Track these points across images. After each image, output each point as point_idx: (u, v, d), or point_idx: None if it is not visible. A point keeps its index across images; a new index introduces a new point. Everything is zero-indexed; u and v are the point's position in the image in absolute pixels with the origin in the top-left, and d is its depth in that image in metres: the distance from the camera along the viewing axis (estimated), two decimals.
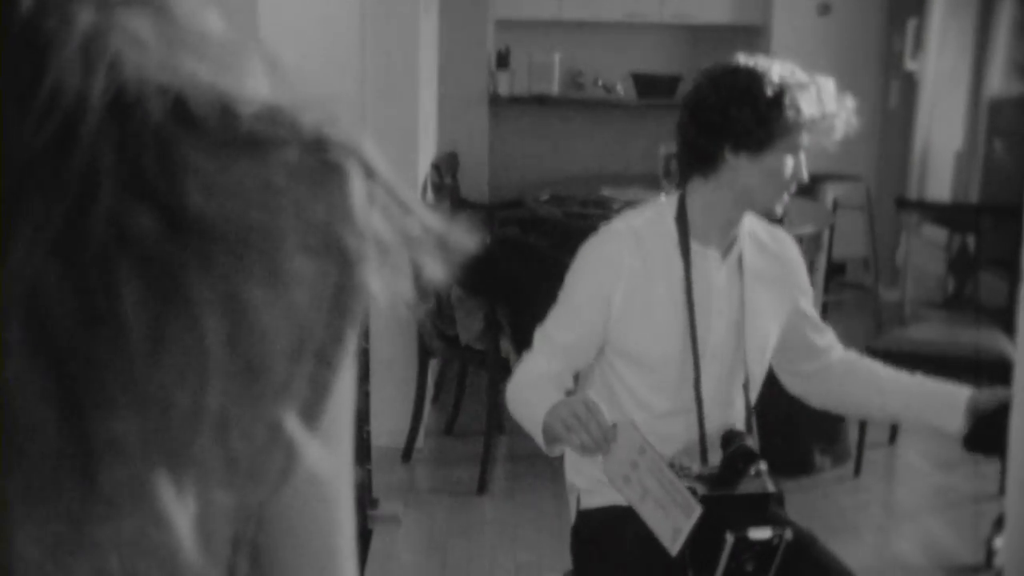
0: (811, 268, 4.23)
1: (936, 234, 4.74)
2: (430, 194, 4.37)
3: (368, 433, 3.18)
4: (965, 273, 4.34)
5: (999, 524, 3.26)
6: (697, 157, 1.91)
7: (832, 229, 4.36)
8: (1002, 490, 3.63)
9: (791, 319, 2.01)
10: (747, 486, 1.82)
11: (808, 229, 3.86)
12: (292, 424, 0.44)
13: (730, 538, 1.76)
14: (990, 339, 3.76)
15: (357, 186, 0.44)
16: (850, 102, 1.91)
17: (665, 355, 1.92)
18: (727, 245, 1.96)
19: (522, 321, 3.90)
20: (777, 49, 6.29)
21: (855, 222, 5.14)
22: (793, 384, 2.10)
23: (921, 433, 4.22)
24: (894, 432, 4.08)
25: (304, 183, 0.43)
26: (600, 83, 6.68)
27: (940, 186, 5.68)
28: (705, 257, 1.94)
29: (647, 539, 1.78)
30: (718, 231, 1.93)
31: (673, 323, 1.91)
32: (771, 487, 1.83)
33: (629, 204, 4.22)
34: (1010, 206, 4.43)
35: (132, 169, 0.39)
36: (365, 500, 3.16)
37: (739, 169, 1.87)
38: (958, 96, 5.55)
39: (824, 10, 6.34)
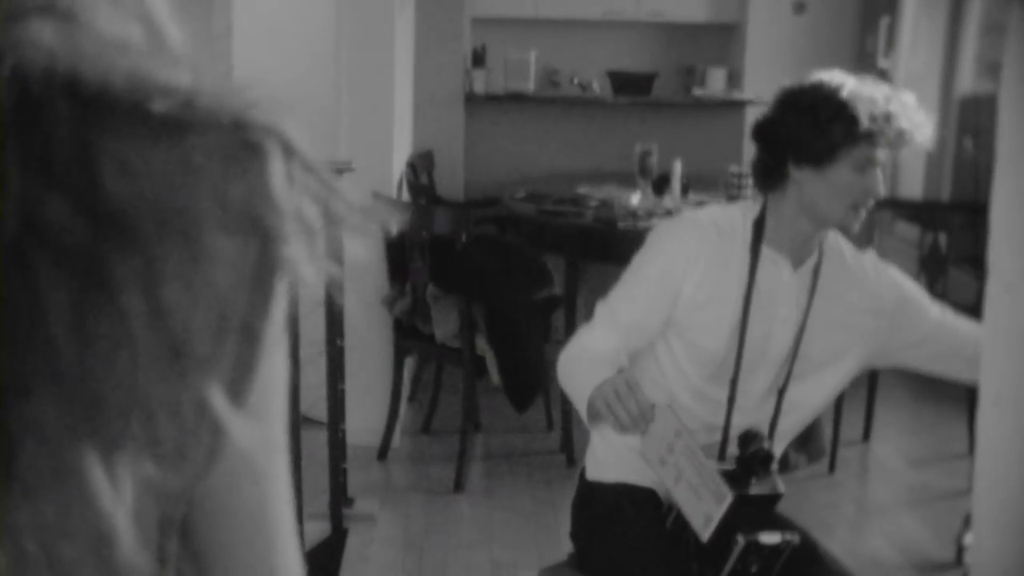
0: None
1: (908, 231, 4.76)
2: (406, 192, 4.36)
3: (343, 431, 3.17)
4: (936, 270, 4.37)
5: (968, 521, 3.29)
6: (765, 171, 1.93)
7: None
8: (972, 487, 3.67)
9: (894, 335, 1.97)
10: (759, 487, 1.82)
11: None
12: (218, 401, 0.44)
13: (741, 541, 1.77)
14: None
15: (276, 165, 0.45)
16: (925, 117, 1.88)
17: (715, 348, 1.93)
18: (802, 257, 1.94)
19: (498, 319, 3.90)
20: (753, 47, 6.32)
21: None
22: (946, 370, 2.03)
23: (894, 431, 4.25)
24: (867, 430, 4.11)
25: (222, 163, 0.44)
26: (576, 81, 6.68)
27: (912, 184, 5.72)
28: (775, 263, 1.93)
29: (656, 523, 1.81)
30: (790, 242, 1.92)
31: (730, 319, 1.92)
32: (781, 487, 1.83)
33: (604, 202, 4.23)
34: (980, 204, 4.47)
35: (41, 160, 0.39)
36: (340, 499, 3.15)
37: (804, 183, 1.87)
38: (929, 94, 5.58)
39: (799, 9, 6.37)
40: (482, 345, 3.71)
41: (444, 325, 3.70)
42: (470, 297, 3.66)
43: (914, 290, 2.03)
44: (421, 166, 4.92)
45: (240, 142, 0.45)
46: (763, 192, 1.95)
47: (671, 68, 6.41)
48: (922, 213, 4.54)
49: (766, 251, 1.93)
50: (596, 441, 2.04)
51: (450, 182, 5.87)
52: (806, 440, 3.86)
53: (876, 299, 1.96)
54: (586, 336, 1.96)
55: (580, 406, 1.82)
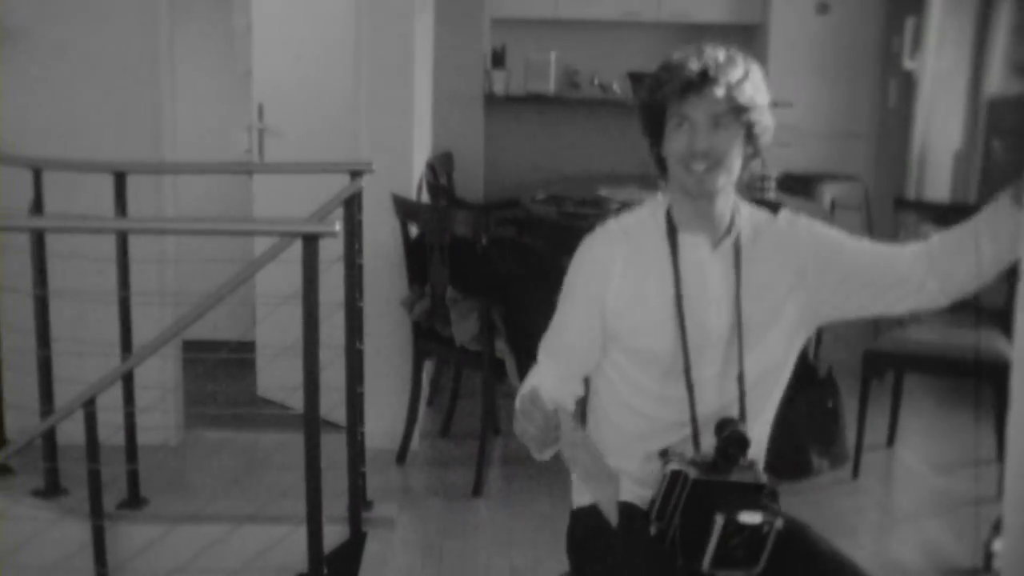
0: None
1: (935, 235, 4.73)
2: (425, 194, 4.37)
3: (362, 435, 3.19)
4: None
5: (997, 527, 3.27)
6: (654, 159, 2.00)
7: None
8: (1001, 493, 3.64)
9: (818, 278, 1.96)
10: (740, 475, 1.84)
11: None
12: None
13: (719, 519, 1.78)
14: (989, 340, 3.77)
15: None
16: (739, 69, 1.89)
17: (659, 345, 1.93)
18: (719, 233, 1.95)
19: (517, 322, 3.90)
20: (775, 48, 6.31)
21: (852, 222, 5.14)
22: (932, 298, 1.99)
23: (920, 436, 4.23)
24: (892, 435, 4.09)
25: None
26: (596, 82, 6.68)
27: (939, 186, 5.70)
28: (696, 245, 1.94)
29: (638, 532, 1.82)
30: (699, 220, 1.95)
31: (665, 313, 1.93)
32: (763, 479, 1.85)
33: (625, 204, 4.23)
34: None
35: None
36: (359, 502, 3.17)
37: (667, 160, 1.96)
38: (957, 95, 5.56)
39: (823, 9, 6.36)
40: (502, 348, 3.72)
41: (463, 328, 3.72)
42: (490, 300, 3.67)
43: (828, 230, 2.00)
44: (441, 167, 4.94)
45: None
46: (664, 180, 1.99)
47: None
48: (949, 215, 4.49)
49: (684, 236, 1.95)
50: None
51: (470, 183, 5.88)
52: (829, 444, 3.85)
53: (795, 251, 1.96)
54: (533, 375, 2.03)
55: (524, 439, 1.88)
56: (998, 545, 3.20)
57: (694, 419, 1.93)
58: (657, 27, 6.47)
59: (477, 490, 3.63)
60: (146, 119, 3.70)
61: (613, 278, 1.95)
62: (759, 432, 2.03)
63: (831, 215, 4.44)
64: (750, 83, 1.89)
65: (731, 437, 1.84)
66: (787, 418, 3.72)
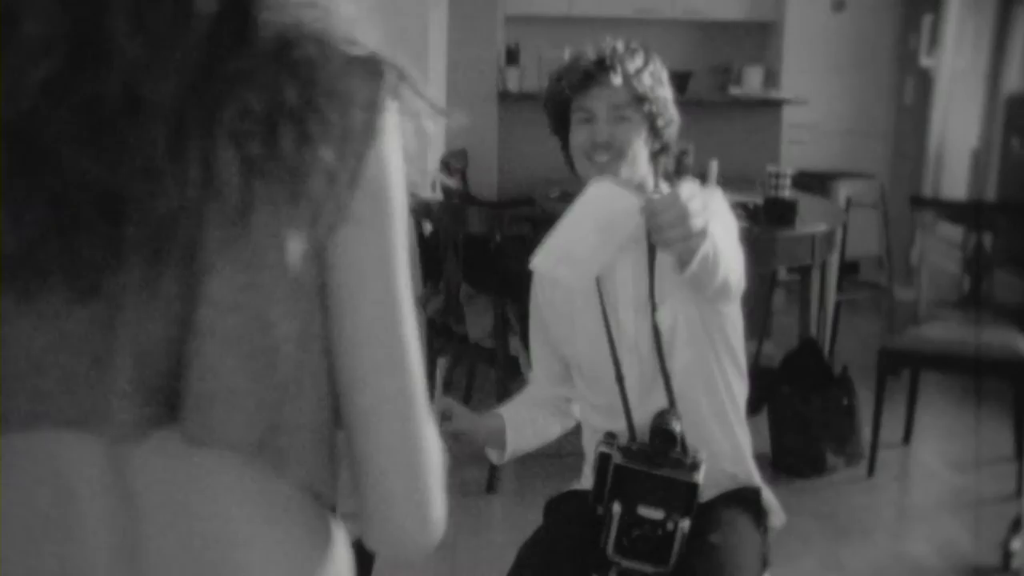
0: (823, 267, 4.24)
1: (952, 232, 4.73)
2: (439, 191, 4.38)
3: None
4: (981, 272, 4.33)
5: (1016, 526, 3.25)
6: (567, 159, 1.99)
7: (845, 227, 4.35)
8: (1019, 492, 3.62)
9: None
10: (671, 470, 1.79)
11: (821, 227, 3.85)
12: (343, 181, 0.76)
13: (617, 508, 1.77)
14: (1006, 338, 3.76)
15: (390, 78, 0.81)
16: (638, 58, 1.88)
17: (592, 356, 1.91)
18: None
19: (530, 324, 3.91)
20: (791, 45, 6.30)
21: (869, 220, 5.11)
22: None
23: (936, 434, 4.21)
24: (908, 432, 4.07)
25: (363, 69, 0.80)
26: None
27: (956, 184, 5.68)
28: None
29: (579, 514, 1.83)
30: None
31: (592, 323, 1.90)
32: (698, 479, 1.79)
33: None
34: None
35: (288, 61, 0.77)
36: None
37: (572, 155, 1.95)
38: (974, 93, 5.54)
39: (839, 6, 6.34)
40: (515, 345, 3.73)
41: (478, 325, 3.72)
42: (504, 297, 3.67)
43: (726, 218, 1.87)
44: (454, 164, 4.95)
45: (374, 64, 0.81)
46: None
47: (707, 66, 6.39)
48: (966, 213, 4.49)
49: None
50: None
51: (484, 181, 5.89)
52: (844, 442, 3.84)
53: None
54: (524, 392, 2.07)
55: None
56: (1016, 544, 3.18)
57: (630, 429, 1.89)
58: (671, 24, 6.45)
59: (491, 487, 3.64)
60: None
61: (544, 290, 1.96)
62: (711, 432, 1.91)
63: (846, 213, 4.42)
64: (649, 73, 1.88)
65: (656, 429, 1.82)
66: (802, 416, 3.74)
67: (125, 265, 0.72)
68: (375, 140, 0.78)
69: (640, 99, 1.86)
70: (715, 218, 1.72)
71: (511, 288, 3.74)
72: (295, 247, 0.75)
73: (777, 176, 3.99)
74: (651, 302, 1.85)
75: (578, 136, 1.90)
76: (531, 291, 2.01)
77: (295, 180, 0.74)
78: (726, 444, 1.93)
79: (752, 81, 6.23)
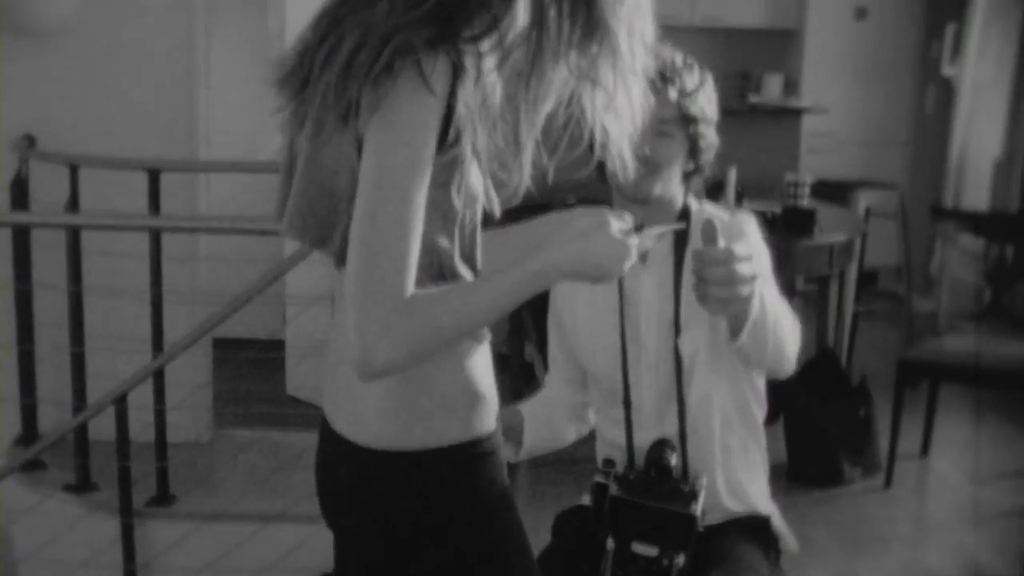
0: (842, 277, 4.23)
1: (973, 244, 4.70)
2: None
3: None
4: (1003, 283, 4.32)
5: None
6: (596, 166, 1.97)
7: (864, 237, 4.34)
8: None
9: None
10: (668, 502, 1.76)
11: (840, 237, 3.84)
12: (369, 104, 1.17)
13: (611, 545, 1.75)
14: None
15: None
16: (699, 77, 1.86)
17: (608, 371, 1.88)
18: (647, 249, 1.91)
19: (546, 324, 3.92)
20: (811, 53, 6.29)
21: (888, 231, 5.10)
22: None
23: (954, 446, 4.20)
24: (927, 443, 4.06)
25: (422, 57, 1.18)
26: None
27: (978, 195, 5.66)
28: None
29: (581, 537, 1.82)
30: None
31: (611, 338, 1.87)
32: (695, 510, 1.74)
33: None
34: None
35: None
36: None
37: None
38: (998, 102, 5.52)
39: (860, 14, 6.33)
40: (531, 352, 3.74)
41: (493, 331, 3.73)
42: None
43: (762, 256, 1.85)
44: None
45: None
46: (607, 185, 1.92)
47: (726, 74, 6.40)
48: (988, 224, 4.47)
49: None
50: None
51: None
52: (861, 453, 3.84)
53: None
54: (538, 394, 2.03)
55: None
56: None
57: (629, 439, 1.88)
58: (690, 31, 6.46)
59: None
60: (181, 117, 3.75)
61: (565, 295, 1.93)
62: (715, 459, 1.88)
63: (865, 223, 4.42)
64: (704, 94, 1.84)
65: (651, 460, 1.78)
66: (819, 426, 3.73)
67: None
68: (386, 87, 1.15)
69: (688, 119, 1.82)
70: (768, 283, 1.71)
71: None
72: (347, 143, 1.20)
73: (796, 185, 3.99)
74: (675, 326, 1.82)
75: None
76: (550, 296, 1.99)
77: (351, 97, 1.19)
78: (739, 475, 1.89)
79: (772, 89, 6.24)
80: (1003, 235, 4.30)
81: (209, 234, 3.88)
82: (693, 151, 1.84)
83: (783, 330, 1.70)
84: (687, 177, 1.87)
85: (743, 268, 1.53)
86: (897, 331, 4.95)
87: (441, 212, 1.22)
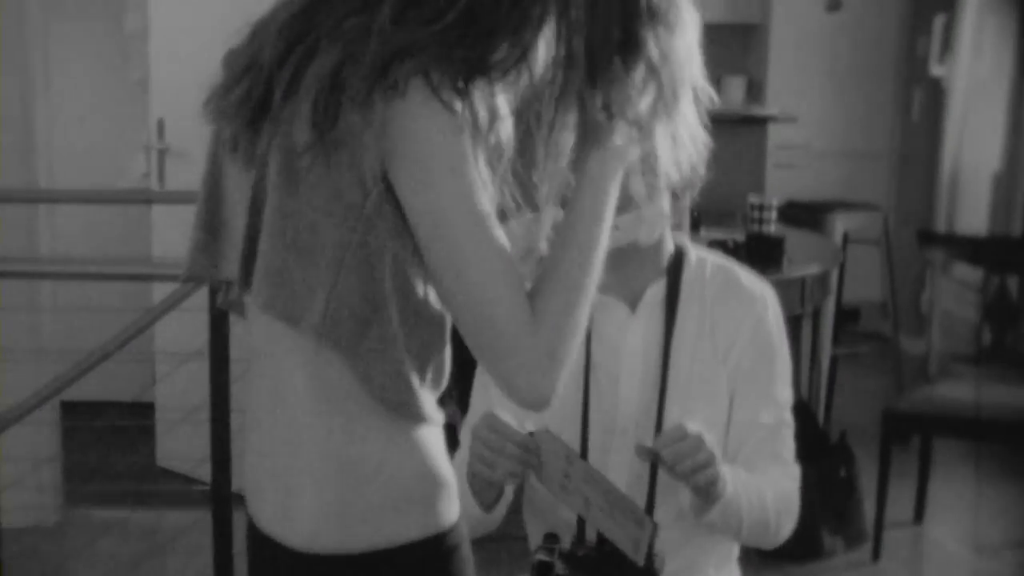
0: (816, 315, 4.36)
1: (969, 274, 4.80)
2: None
3: None
4: (1005, 320, 4.43)
5: None
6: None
7: (842, 268, 4.43)
8: None
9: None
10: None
11: (813, 269, 3.95)
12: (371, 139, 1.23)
13: None
14: None
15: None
16: None
17: (560, 426, 1.87)
18: (636, 289, 1.95)
19: (470, 380, 3.98)
20: (778, 52, 6.39)
21: (870, 259, 5.18)
22: None
23: (952, 510, 4.31)
24: (920, 509, 4.16)
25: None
26: None
27: (974, 216, 5.73)
28: (609, 310, 1.93)
29: None
30: (616, 272, 1.86)
31: (570, 391, 1.90)
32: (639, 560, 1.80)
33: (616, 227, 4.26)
34: None
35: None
36: None
37: None
38: (996, 107, 5.58)
39: (834, 5, 6.42)
40: (453, 413, 3.80)
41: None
42: None
43: (764, 375, 1.95)
44: None
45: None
46: None
47: None
48: (987, 251, 4.55)
49: (595, 297, 1.92)
50: None
51: None
52: (843, 521, 3.95)
53: (737, 331, 1.94)
54: (455, 465, 1.98)
55: (470, 503, 1.84)
56: None
57: (580, 519, 1.91)
58: None
59: None
60: (14, 136, 3.72)
61: None
62: (693, 537, 1.94)
63: (843, 251, 4.54)
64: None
65: (605, 545, 1.83)
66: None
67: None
68: (395, 108, 1.20)
69: None
70: (773, 404, 1.90)
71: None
72: (342, 180, 1.23)
73: (761, 208, 4.07)
74: (661, 385, 1.90)
75: None
76: None
77: (337, 133, 1.21)
78: (706, 553, 1.97)
79: (731, 94, 6.33)
80: (1004, 263, 4.39)
81: (55, 279, 3.88)
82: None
83: (765, 512, 1.85)
84: (674, 198, 1.92)
85: (700, 456, 1.69)
86: (883, 378, 5.04)
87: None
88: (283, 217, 1.27)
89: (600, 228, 1.33)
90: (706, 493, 1.76)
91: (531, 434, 1.76)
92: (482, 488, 1.84)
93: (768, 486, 1.88)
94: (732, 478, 1.80)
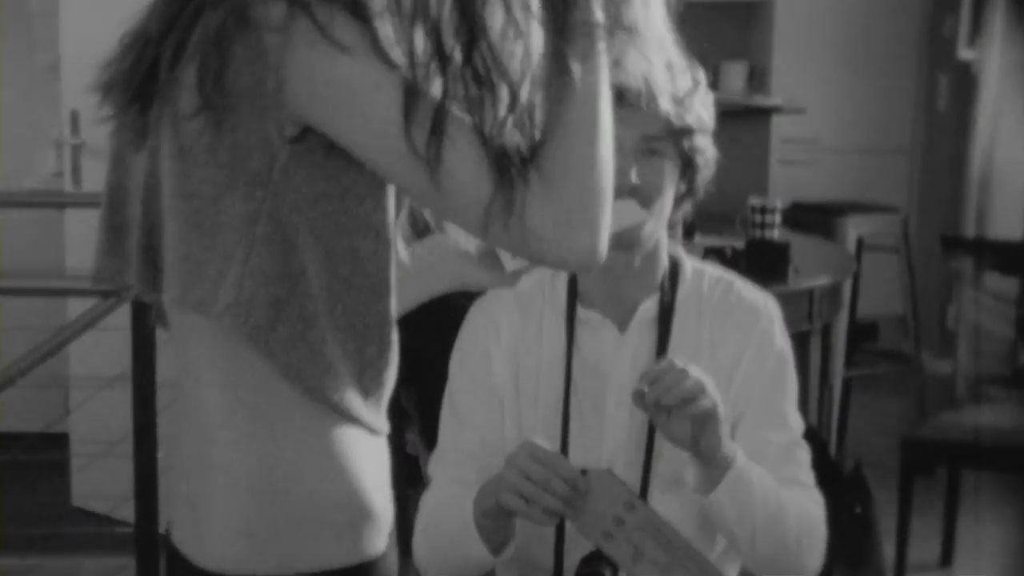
0: (827, 332, 4.36)
1: (1002, 285, 4.82)
2: None
3: None
4: None
5: None
6: None
7: (856, 279, 4.45)
8: None
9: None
10: None
11: (823, 280, 3.95)
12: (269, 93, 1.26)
13: None
14: None
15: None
16: (691, 76, 1.95)
17: None
18: (628, 308, 1.99)
19: (435, 410, 3.96)
20: (783, 34, 6.39)
21: (888, 269, 5.18)
22: None
23: (984, 551, 4.32)
24: (948, 550, 4.15)
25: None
26: None
27: (1008, 220, 5.72)
28: (596, 329, 1.98)
29: None
30: (607, 289, 1.97)
31: (551, 413, 1.96)
32: None
33: None
34: None
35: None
36: None
37: None
38: None
39: None
40: (415, 442, 3.80)
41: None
42: (399, 381, 3.74)
43: (772, 396, 2.00)
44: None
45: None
46: None
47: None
48: (1022, 259, 4.59)
49: (584, 314, 1.98)
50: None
51: None
52: (858, 564, 3.94)
53: (737, 345, 1.98)
54: (430, 498, 2.02)
55: (472, 545, 1.85)
56: None
57: (559, 553, 1.94)
58: None
59: None
60: None
61: (498, 355, 1.99)
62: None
63: (857, 260, 4.55)
64: (699, 98, 1.93)
65: None
66: None
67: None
68: (288, 56, 1.22)
69: (681, 132, 1.90)
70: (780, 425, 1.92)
71: (409, 369, 3.80)
72: (241, 147, 1.25)
73: (763, 211, 4.08)
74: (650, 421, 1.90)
75: None
76: (450, 372, 2.05)
77: (225, 98, 1.24)
78: None
79: (731, 82, 6.35)
80: None
81: None
82: (688, 172, 1.93)
83: (783, 522, 1.84)
84: (678, 203, 1.96)
85: (688, 384, 1.71)
86: (903, 402, 5.06)
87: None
88: (183, 199, 1.29)
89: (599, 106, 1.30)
90: (710, 455, 1.76)
91: (584, 472, 1.76)
92: (498, 527, 1.83)
93: (789, 500, 1.88)
94: (744, 459, 1.80)
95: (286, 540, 1.33)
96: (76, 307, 3.65)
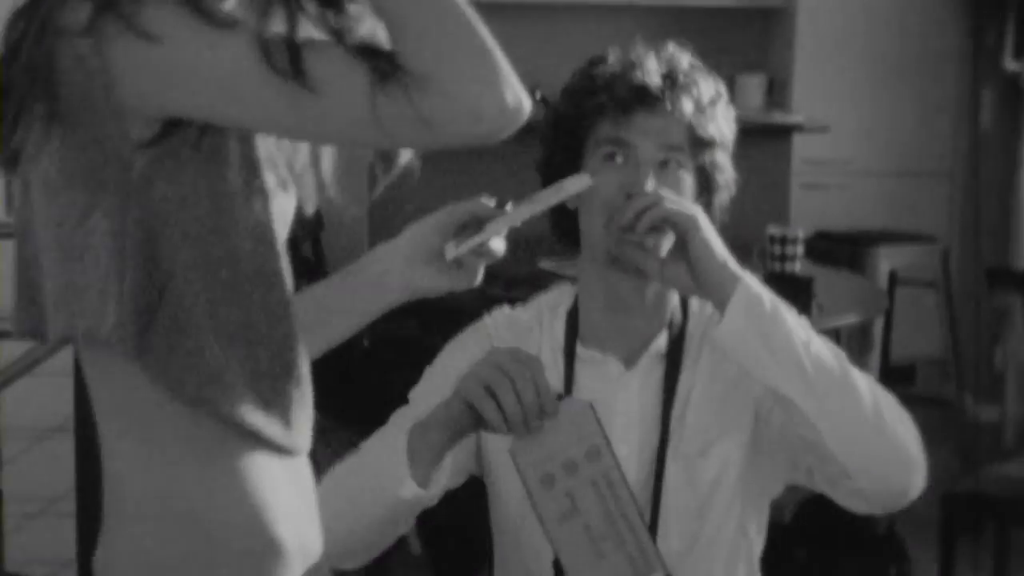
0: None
1: None
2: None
3: None
4: None
5: None
6: (557, 225, 2.12)
7: (889, 317, 4.45)
8: None
9: (771, 424, 2.00)
10: None
11: (850, 318, 3.96)
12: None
13: None
14: None
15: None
16: (706, 78, 2.02)
17: (530, 508, 1.89)
18: (636, 346, 2.03)
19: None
20: (805, 42, 6.36)
21: (926, 306, 5.18)
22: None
23: None
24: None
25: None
26: (539, 97, 6.79)
27: None
28: (599, 367, 2.02)
29: None
30: (614, 323, 2.02)
31: None
32: None
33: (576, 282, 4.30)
34: None
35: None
36: None
37: (582, 214, 2.05)
38: None
39: None
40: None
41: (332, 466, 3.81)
42: (372, 428, 3.76)
43: None
44: (302, 234, 5.04)
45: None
46: (570, 249, 2.08)
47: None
48: None
49: (585, 352, 2.02)
50: None
51: (346, 255, 5.94)
52: None
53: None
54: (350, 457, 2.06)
55: (393, 470, 1.86)
56: None
57: None
58: (631, 12, 6.24)
59: None
60: None
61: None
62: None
63: (889, 296, 4.57)
64: (722, 109, 1.99)
65: None
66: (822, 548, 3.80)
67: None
68: (108, 55, 1.29)
69: (703, 143, 1.95)
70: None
71: (385, 415, 3.82)
72: (94, 160, 1.31)
73: (783, 241, 4.08)
74: (659, 450, 1.96)
75: (604, 185, 1.92)
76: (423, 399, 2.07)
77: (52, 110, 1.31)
78: None
79: (748, 97, 6.33)
80: None
81: None
82: (705, 190, 1.99)
83: (839, 360, 1.88)
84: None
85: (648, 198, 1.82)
86: (944, 451, 5.08)
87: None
88: (53, 227, 1.36)
89: None
90: (712, 274, 1.84)
91: (560, 397, 1.78)
92: (431, 445, 1.82)
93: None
94: (757, 283, 1.87)
95: (184, 573, 1.37)
96: (10, 350, 3.67)
